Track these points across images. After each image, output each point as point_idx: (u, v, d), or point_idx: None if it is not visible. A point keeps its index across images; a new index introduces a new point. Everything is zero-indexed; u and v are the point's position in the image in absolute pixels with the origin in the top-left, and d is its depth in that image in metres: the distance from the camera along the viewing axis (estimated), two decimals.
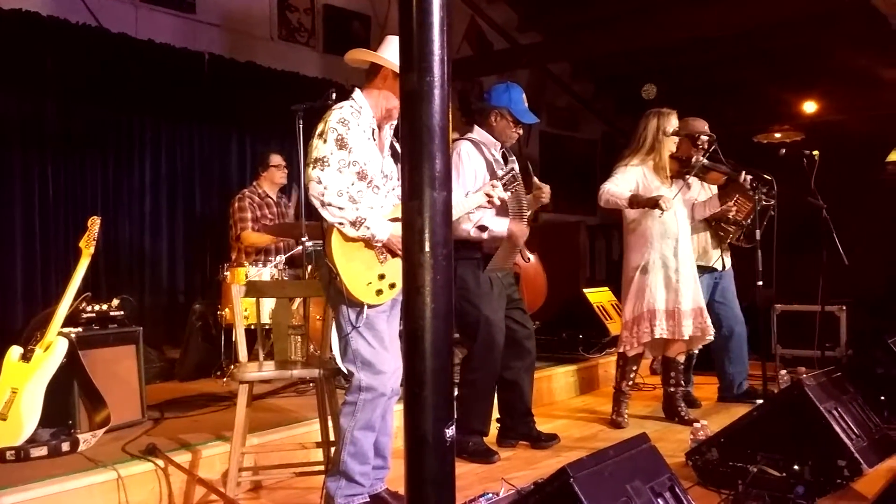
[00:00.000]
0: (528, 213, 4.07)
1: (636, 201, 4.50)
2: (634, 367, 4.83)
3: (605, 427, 4.75)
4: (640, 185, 4.63)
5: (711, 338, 4.71)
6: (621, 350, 4.74)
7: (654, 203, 4.40)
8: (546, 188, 4.12)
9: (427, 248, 1.43)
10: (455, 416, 1.50)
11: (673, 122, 4.68)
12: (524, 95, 4.09)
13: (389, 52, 3.10)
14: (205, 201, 6.78)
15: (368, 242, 2.98)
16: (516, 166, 4.18)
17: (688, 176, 4.70)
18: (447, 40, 1.42)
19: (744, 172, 4.76)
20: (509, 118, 4.04)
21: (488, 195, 3.41)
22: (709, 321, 4.67)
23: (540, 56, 8.85)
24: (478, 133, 4.10)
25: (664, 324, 4.58)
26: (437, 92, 1.41)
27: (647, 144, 4.68)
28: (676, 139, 4.72)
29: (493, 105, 4.08)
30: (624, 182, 4.63)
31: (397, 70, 2.99)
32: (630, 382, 4.83)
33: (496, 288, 4.05)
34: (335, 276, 2.95)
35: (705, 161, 4.71)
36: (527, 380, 4.26)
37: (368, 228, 2.94)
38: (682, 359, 4.83)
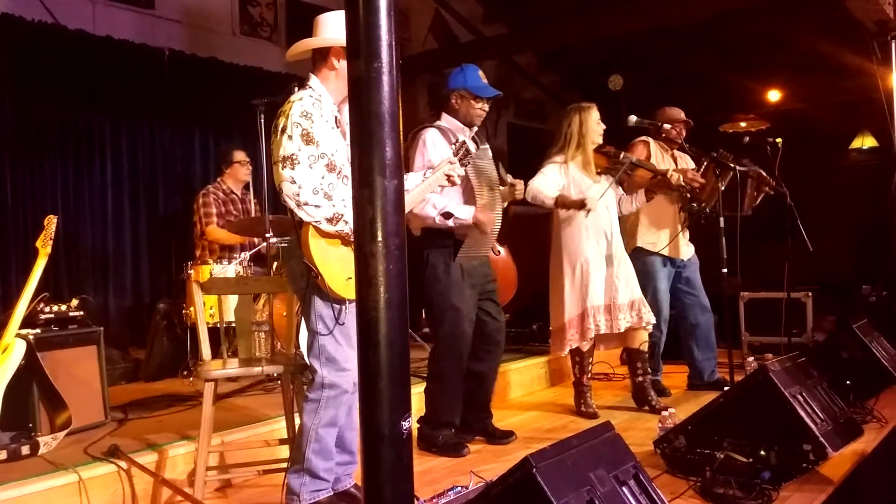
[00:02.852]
0: (499, 203, 4.05)
1: (562, 202, 4.52)
2: (590, 359, 4.84)
3: (575, 418, 4.75)
4: (570, 182, 4.62)
5: (652, 322, 4.72)
6: (567, 350, 4.70)
7: (580, 205, 4.44)
8: (518, 183, 4.11)
9: (379, 238, 1.40)
10: (410, 410, 1.47)
11: (594, 116, 4.68)
12: (481, 72, 4.06)
13: (332, 31, 3.02)
14: (168, 199, 6.70)
15: (345, 238, 2.91)
16: (489, 150, 4.16)
17: (616, 174, 4.67)
18: (395, 25, 1.39)
19: (671, 170, 4.78)
20: (469, 97, 4.01)
21: (448, 175, 3.35)
22: (646, 309, 4.68)
23: (505, 48, 8.85)
24: (445, 120, 4.07)
25: (604, 317, 4.59)
26: (385, 78, 1.38)
27: (573, 141, 4.67)
28: (601, 131, 4.70)
29: (451, 88, 4.05)
30: (552, 179, 4.62)
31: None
32: (589, 376, 4.84)
33: (469, 277, 3.99)
34: (315, 275, 2.89)
35: (633, 158, 4.73)
36: (492, 373, 4.24)
37: (347, 223, 2.87)
38: (645, 348, 4.84)
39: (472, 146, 4.01)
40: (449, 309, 3.93)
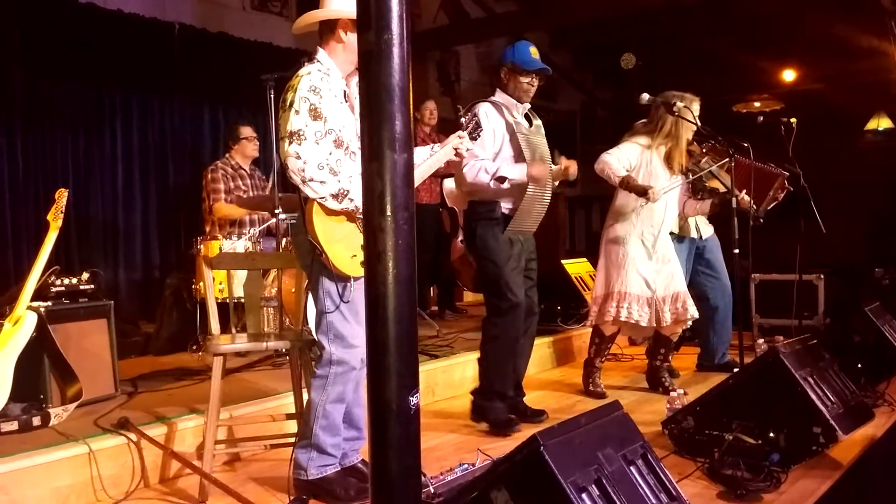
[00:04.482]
0: (550, 181, 4.04)
1: (627, 184, 4.46)
2: (609, 345, 4.86)
3: (583, 398, 4.76)
4: (643, 165, 4.57)
5: (695, 317, 4.68)
6: (590, 324, 4.76)
7: (642, 191, 4.38)
8: (571, 165, 4.09)
9: (388, 212, 1.39)
10: (418, 385, 1.46)
11: (695, 109, 4.59)
12: (533, 48, 4.04)
13: (337, 2, 2.97)
14: (178, 174, 6.71)
15: (350, 215, 2.90)
16: (542, 128, 4.15)
17: (692, 176, 4.62)
18: None
19: (744, 192, 4.64)
20: (515, 70, 3.99)
21: (455, 148, 3.33)
22: (689, 302, 4.64)
23: (516, 25, 8.78)
24: (499, 95, 4.07)
25: (640, 309, 4.56)
26: (395, 50, 1.36)
27: (664, 130, 4.58)
28: (694, 129, 4.60)
29: (500, 63, 4.06)
30: (625, 157, 4.57)
31: (355, 16, 2.94)
32: (602, 359, 4.85)
33: (516, 248, 4.00)
34: (320, 252, 2.87)
35: (713, 167, 4.65)
36: (524, 353, 4.22)
37: (352, 201, 2.85)
38: (675, 338, 4.85)
39: (524, 122, 4.03)
40: (503, 277, 3.94)
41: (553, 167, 4.10)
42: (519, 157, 3.97)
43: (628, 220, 4.62)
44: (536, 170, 3.91)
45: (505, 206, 3.99)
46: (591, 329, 4.90)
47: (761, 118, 5.02)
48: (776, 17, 8.47)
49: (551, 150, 4.16)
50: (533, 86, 4.05)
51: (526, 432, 3.83)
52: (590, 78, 11.19)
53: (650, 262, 4.61)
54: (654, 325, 4.62)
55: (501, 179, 3.87)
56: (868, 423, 3.56)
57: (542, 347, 5.75)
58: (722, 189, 4.78)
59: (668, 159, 4.60)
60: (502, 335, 4.01)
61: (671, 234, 5.08)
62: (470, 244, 4.07)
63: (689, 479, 3.12)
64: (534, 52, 4.03)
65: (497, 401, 4.01)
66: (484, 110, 3.95)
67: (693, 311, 4.64)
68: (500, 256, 3.95)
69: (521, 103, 4.05)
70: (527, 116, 4.13)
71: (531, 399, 4.38)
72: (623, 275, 4.57)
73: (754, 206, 4.70)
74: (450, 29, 8.73)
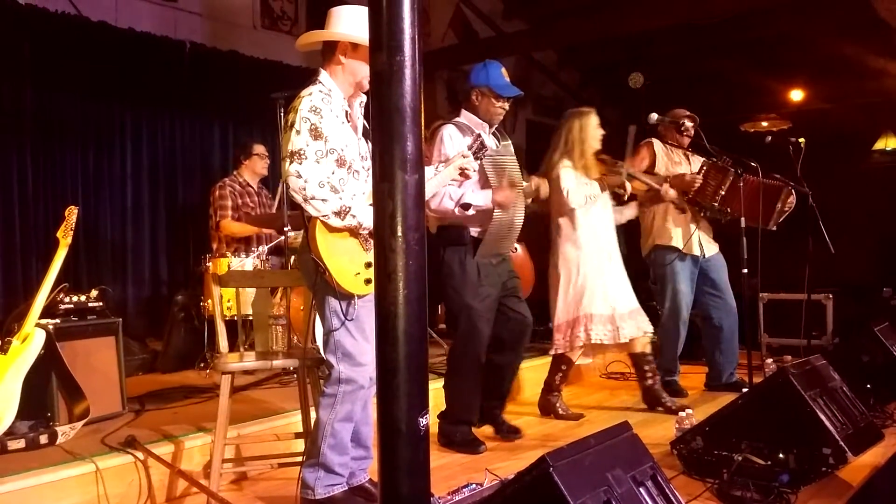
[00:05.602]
0: (521, 200, 4.01)
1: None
2: (568, 365, 4.82)
3: (590, 416, 4.73)
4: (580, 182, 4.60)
5: (650, 331, 4.69)
6: (557, 353, 4.71)
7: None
8: (543, 184, 4.13)
9: (399, 233, 1.40)
10: (428, 406, 1.46)
11: (594, 121, 4.64)
12: (503, 70, 4.00)
13: (341, 25, 3.00)
14: (187, 191, 6.73)
15: (353, 231, 2.91)
16: (511, 146, 4.11)
17: (611, 183, 4.66)
18: (418, 18, 1.38)
19: (666, 185, 4.82)
20: (490, 95, 3.96)
21: (461, 168, 3.33)
22: (642, 317, 4.65)
23: (525, 44, 8.82)
24: (464, 116, 4.03)
25: (604, 328, 4.54)
26: (407, 72, 1.37)
27: (574, 147, 4.62)
28: (600, 137, 4.65)
29: (472, 85, 4.01)
30: (575, 180, 4.60)
31: (354, 40, 2.97)
32: (562, 385, 4.82)
33: (487, 276, 3.96)
34: (323, 270, 2.88)
35: (630, 170, 4.70)
36: (512, 367, 4.21)
37: (354, 217, 2.86)
38: (648, 349, 4.79)
39: (492, 142, 3.99)
40: (464, 307, 3.91)
41: (524, 184, 4.07)
42: (485, 180, 3.93)
43: (575, 245, 4.61)
44: (502, 196, 3.87)
45: (474, 230, 3.95)
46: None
47: (769, 138, 5.03)
48: (784, 37, 8.48)
49: (521, 169, 4.13)
50: (505, 109, 4.02)
51: (532, 453, 3.83)
52: (597, 96, 11.22)
53: (605, 279, 4.60)
54: (615, 342, 4.59)
55: (466, 206, 3.83)
56: (878, 443, 3.53)
57: (546, 367, 5.71)
58: (650, 189, 4.90)
59: (586, 172, 4.61)
60: (464, 366, 4.00)
61: (675, 250, 5.09)
62: (437, 269, 3.97)
63: (698, 499, 3.09)
64: (505, 74, 4.00)
65: (462, 425, 4.01)
66: (448, 132, 3.91)
67: (646, 326, 4.65)
68: (464, 286, 3.91)
69: (491, 125, 4.02)
70: (494, 134, 4.07)
71: (535, 419, 4.37)
72: (586, 297, 4.55)
73: (686, 196, 4.79)
74: (459, 48, 8.76)
